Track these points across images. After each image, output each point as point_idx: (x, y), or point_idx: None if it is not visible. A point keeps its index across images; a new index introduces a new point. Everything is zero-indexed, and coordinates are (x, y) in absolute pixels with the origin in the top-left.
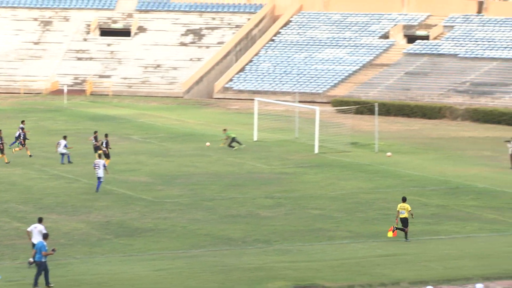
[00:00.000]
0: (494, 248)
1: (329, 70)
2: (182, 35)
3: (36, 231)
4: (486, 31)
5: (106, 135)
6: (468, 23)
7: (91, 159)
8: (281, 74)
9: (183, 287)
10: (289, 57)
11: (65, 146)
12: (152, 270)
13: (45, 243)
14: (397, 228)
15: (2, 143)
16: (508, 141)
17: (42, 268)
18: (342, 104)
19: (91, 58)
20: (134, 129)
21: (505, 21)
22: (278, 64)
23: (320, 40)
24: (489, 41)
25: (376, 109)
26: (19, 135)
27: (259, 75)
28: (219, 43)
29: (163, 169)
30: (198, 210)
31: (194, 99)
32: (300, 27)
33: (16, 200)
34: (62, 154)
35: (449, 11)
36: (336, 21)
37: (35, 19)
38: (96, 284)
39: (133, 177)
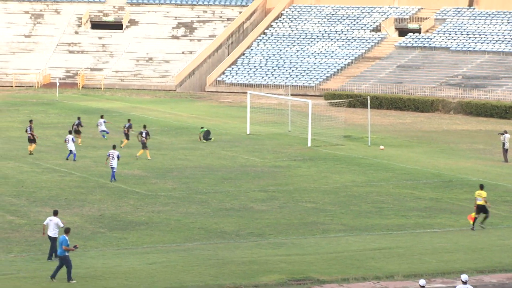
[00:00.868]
0: (487, 242)
1: (321, 63)
2: (174, 28)
3: (52, 224)
4: (477, 24)
5: (144, 126)
6: (460, 16)
7: (82, 153)
8: (273, 67)
9: (177, 281)
10: (281, 50)
11: (73, 140)
12: (146, 264)
13: (66, 238)
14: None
15: (32, 134)
16: (502, 134)
17: (64, 262)
18: (334, 97)
19: (82, 51)
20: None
21: (496, 14)
22: (270, 57)
23: (312, 34)
24: (480, 35)
25: (369, 102)
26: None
27: (251, 68)
28: (211, 36)
29: (156, 162)
30: (192, 203)
31: (186, 92)
32: (292, 20)
33: (9, 193)
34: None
35: (440, 4)
36: (328, 14)
37: (26, 12)
38: (90, 277)
39: (126, 170)
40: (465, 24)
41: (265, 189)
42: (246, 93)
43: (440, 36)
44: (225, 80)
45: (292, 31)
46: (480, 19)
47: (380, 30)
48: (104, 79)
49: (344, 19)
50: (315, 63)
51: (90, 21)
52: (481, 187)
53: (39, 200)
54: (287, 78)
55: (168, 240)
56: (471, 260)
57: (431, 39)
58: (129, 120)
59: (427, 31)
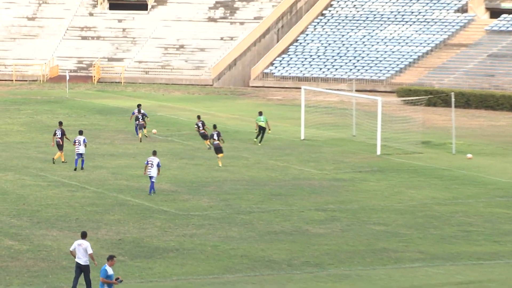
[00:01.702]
0: None
1: (393, 52)
2: (211, 8)
3: (81, 249)
4: None
5: (214, 126)
6: None
7: (98, 162)
8: (333, 56)
9: None
10: (344, 35)
11: (84, 142)
12: None
13: (107, 268)
14: None
15: (61, 139)
16: None
17: None
18: (410, 94)
19: (98, 37)
20: (152, 124)
21: None
22: (329, 44)
23: (382, 15)
24: None
25: (453, 100)
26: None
27: (306, 58)
28: (256, 18)
29: (189, 174)
30: (233, 225)
31: (226, 88)
32: None
33: (8, 212)
34: (79, 155)
35: None
36: None
37: None
38: None
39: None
40: None
41: (324, 207)
42: (300, 88)
43: None
44: (273, 73)
45: (357, 11)
46: None
47: (466, 11)
48: (125, 71)
49: None
50: (385, 52)
51: (108, 0)
52: None
53: (44, 221)
54: (350, 70)
55: (203, 271)
56: None
57: None
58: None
59: None
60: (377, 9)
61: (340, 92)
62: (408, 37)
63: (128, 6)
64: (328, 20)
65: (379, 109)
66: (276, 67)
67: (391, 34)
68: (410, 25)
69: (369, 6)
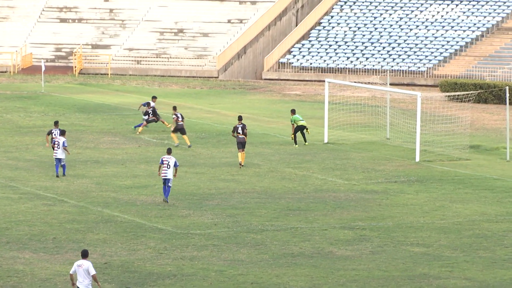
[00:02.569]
0: None
1: (436, 37)
2: None
3: (82, 271)
4: None
5: (240, 118)
6: None
7: (79, 170)
8: (363, 43)
9: None
10: (376, 18)
11: (64, 145)
12: None
13: None
14: None
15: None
16: None
17: None
18: (455, 89)
19: (80, 20)
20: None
21: None
22: (359, 28)
23: None
24: None
25: (507, 95)
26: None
27: (331, 45)
28: None
29: (189, 185)
30: (241, 246)
31: (234, 81)
32: None
33: None
34: (59, 160)
35: None
36: None
37: None
38: None
39: (144, 196)
40: None
41: (351, 225)
42: (323, 81)
43: None
44: (292, 63)
45: None
46: None
47: None
48: (112, 61)
49: None
50: (426, 38)
51: None
52: None
53: (14, 241)
54: (384, 59)
55: None
56: None
57: None
58: (175, 109)
59: None
60: None
61: (372, 87)
62: (454, 20)
63: None
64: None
65: (418, 107)
66: (294, 56)
67: (433, 16)
68: (457, 5)
69: None
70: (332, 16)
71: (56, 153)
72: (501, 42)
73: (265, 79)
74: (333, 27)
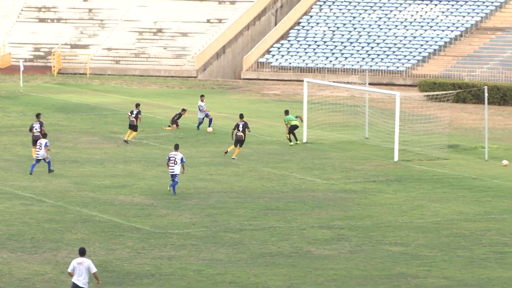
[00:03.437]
0: None
1: (414, 37)
2: None
3: (83, 268)
4: None
5: (241, 116)
6: None
7: (58, 170)
8: (342, 43)
9: None
10: (355, 17)
11: (46, 145)
12: None
13: None
14: None
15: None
16: None
17: None
18: (434, 88)
19: (59, 20)
20: (123, 125)
21: None
22: (338, 28)
23: None
24: None
25: (486, 95)
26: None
27: (310, 45)
28: None
29: (168, 184)
30: (220, 246)
31: (212, 81)
32: None
33: None
34: (38, 160)
35: None
36: None
37: None
38: None
39: (122, 196)
40: None
41: (330, 225)
42: (302, 81)
43: None
44: (270, 62)
45: None
46: None
47: None
48: (91, 60)
49: None
50: (405, 37)
51: None
52: None
53: None
54: (363, 59)
55: None
56: None
57: None
58: (137, 106)
59: None
60: None
61: (351, 86)
62: (432, 20)
63: None
64: None
65: (397, 106)
66: (273, 55)
67: (412, 16)
68: (435, 4)
69: None
70: (311, 16)
71: (38, 154)
72: (479, 42)
73: (244, 78)
74: (312, 27)
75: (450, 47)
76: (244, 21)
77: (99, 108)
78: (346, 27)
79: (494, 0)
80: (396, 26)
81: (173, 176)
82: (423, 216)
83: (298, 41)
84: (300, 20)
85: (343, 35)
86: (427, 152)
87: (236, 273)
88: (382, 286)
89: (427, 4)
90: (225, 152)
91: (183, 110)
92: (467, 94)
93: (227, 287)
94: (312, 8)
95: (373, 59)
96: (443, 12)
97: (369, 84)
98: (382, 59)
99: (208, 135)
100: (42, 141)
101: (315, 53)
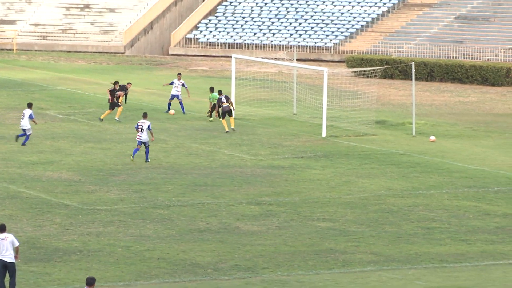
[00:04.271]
0: None
1: (342, 13)
2: None
3: (7, 243)
4: None
5: (220, 92)
6: None
7: None
8: (270, 19)
9: None
10: None
11: (31, 117)
12: None
13: None
14: None
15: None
16: None
17: None
18: (362, 64)
19: None
20: (51, 100)
21: None
22: (265, 4)
23: None
24: None
25: (413, 71)
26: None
27: (238, 21)
28: None
29: (95, 160)
30: (148, 222)
31: (140, 56)
32: None
33: None
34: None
35: None
36: None
37: None
38: None
39: (50, 172)
40: None
41: (258, 200)
42: (230, 57)
43: None
44: (198, 38)
45: None
46: None
47: None
48: (18, 36)
49: None
50: (332, 13)
51: None
52: None
53: None
54: (290, 35)
55: (112, 276)
56: None
57: None
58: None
59: None
60: None
61: (279, 62)
62: None
63: None
64: None
65: (325, 82)
66: (201, 31)
67: None
68: None
69: None
70: None
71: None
72: (407, 18)
73: (172, 54)
74: (239, 3)
75: (377, 23)
76: None
77: (26, 84)
78: (274, 3)
79: None
80: (324, 2)
81: (144, 143)
82: (351, 191)
83: (226, 17)
84: None
85: (270, 11)
86: (355, 128)
87: (165, 249)
88: (310, 262)
89: None
90: (227, 131)
91: (128, 83)
92: (395, 70)
93: (156, 263)
94: None
95: (301, 35)
96: None
97: (297, 60)
98: (310, 35)
99: (137, 111)
100: (27, 112)
101: (243, 29)
